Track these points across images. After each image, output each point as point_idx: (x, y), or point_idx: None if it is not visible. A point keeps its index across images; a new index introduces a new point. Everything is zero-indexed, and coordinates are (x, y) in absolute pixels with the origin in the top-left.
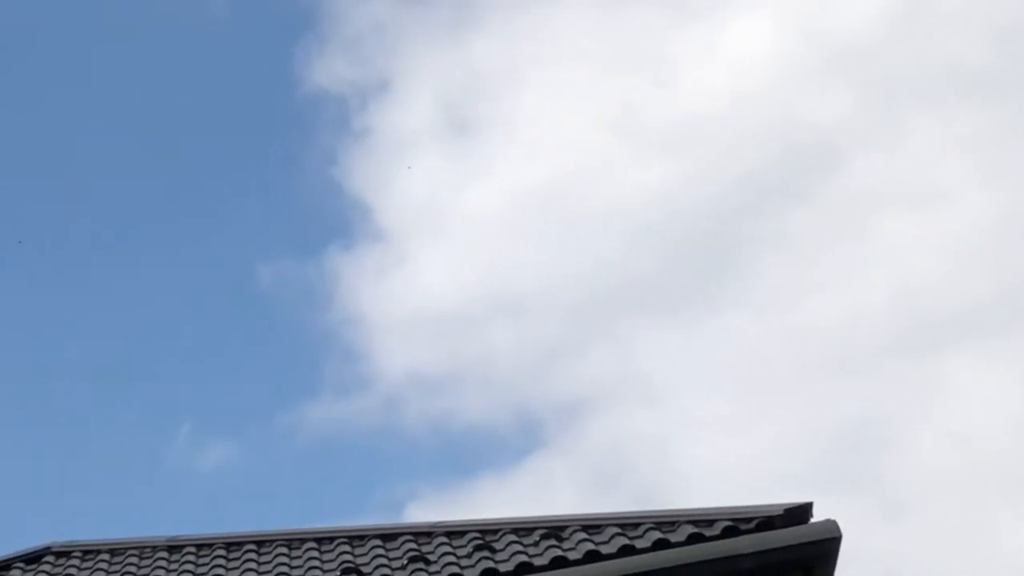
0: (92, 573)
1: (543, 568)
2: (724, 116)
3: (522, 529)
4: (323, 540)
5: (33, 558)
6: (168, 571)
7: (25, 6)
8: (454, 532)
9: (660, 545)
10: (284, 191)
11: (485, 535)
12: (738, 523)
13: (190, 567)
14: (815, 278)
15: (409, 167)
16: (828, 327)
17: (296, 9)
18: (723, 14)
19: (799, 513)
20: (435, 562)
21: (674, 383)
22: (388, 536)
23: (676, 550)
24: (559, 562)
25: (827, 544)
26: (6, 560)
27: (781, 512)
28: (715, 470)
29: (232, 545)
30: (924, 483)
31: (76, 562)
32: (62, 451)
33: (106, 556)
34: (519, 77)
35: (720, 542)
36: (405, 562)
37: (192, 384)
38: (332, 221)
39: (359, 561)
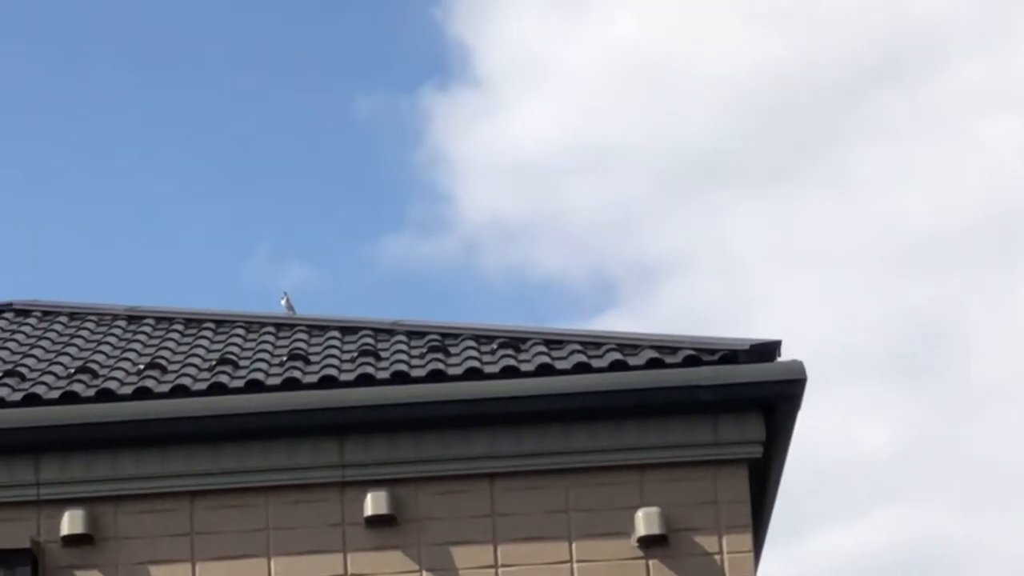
0: (45, 333)
1: (492, 376)
2: None
3: (483, 336)
4: (282, 327)
5: None
6: (120, 339)
7: None
8: (415, 332)
9: (617, 367)
10: (387, 26)
11: (445, 338)
12: (701, 353)
13: (143, 337)
14: (906, 170)
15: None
16: (914, 219)
17: None
18: None
19: (766, 350)
20: (385, 358)
21: (754, 257)
22: (348, 329)
23: (632, 373)
24: (510, 371)
25: (791, 385)
26: None
27: (747, 347)
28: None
29: (192, 321)
30: (993, 386)
31: (33, 321)
32: (144, 239)
33: (64, 318)
34: None
35: (678, 370)
36: (355, 354)
37: (278, 204)
38: (430, 61)
39: (311, 349)
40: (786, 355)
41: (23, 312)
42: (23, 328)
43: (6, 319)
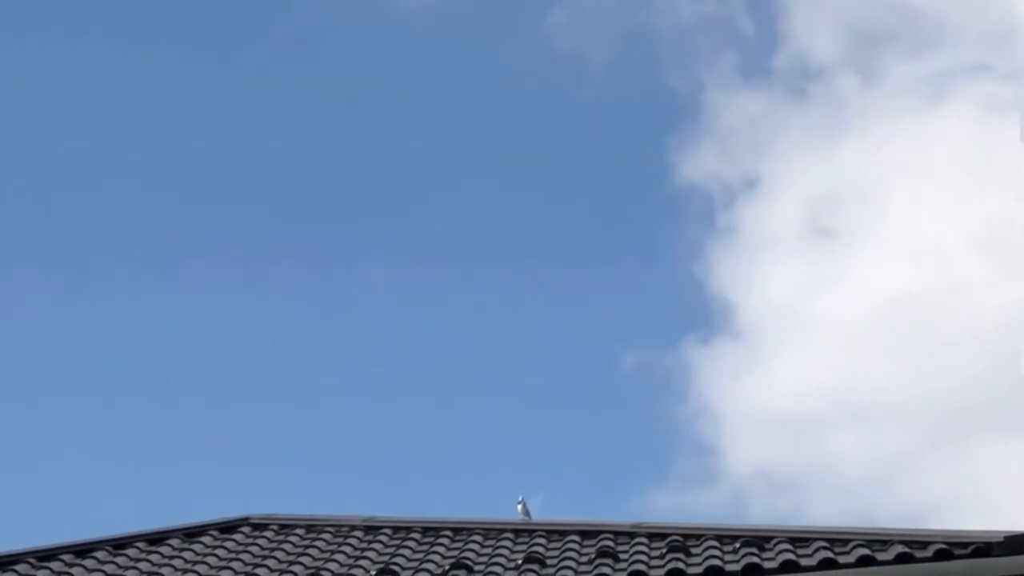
0: (280, 545)
1: (734, 574)
2: None
3: (726, 536)
4: (521, 532)
5: (229, 527)
6: (355, 548)
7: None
8: (656, 534)
9: (864, 562)
10: (649, 280)
11: (687, 539)
12: (953, 547)
13: (378, 547)
14: None
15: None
16: None
17: (674, 98)
18: None
19: (1020, 541)
20: (624, 559)
21: (1020, 503)
22: (588, 533)
23: (879, 568)
24: (752, 569)
25: None
26: (203, 526)
27: (1000, 539)
28: None
29: (429, 530)
30: None
31: (269, 534)
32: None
33: (301, 531)
34: (886, 185)
35: (928, 564)
36: (593, 556)
37: (548, 458)
38: (692, 315)
39: (548, 553)
40: None
41: (259, 526)
42: (258, 541)
43: (242, 533)
